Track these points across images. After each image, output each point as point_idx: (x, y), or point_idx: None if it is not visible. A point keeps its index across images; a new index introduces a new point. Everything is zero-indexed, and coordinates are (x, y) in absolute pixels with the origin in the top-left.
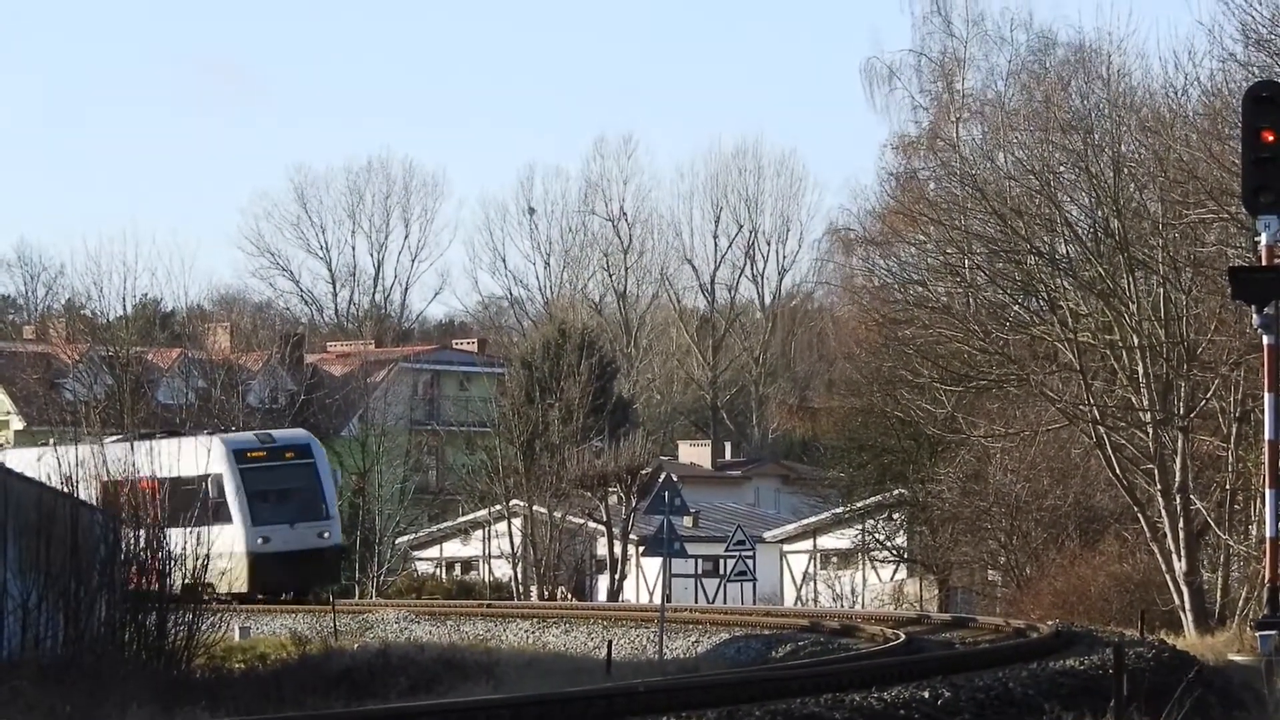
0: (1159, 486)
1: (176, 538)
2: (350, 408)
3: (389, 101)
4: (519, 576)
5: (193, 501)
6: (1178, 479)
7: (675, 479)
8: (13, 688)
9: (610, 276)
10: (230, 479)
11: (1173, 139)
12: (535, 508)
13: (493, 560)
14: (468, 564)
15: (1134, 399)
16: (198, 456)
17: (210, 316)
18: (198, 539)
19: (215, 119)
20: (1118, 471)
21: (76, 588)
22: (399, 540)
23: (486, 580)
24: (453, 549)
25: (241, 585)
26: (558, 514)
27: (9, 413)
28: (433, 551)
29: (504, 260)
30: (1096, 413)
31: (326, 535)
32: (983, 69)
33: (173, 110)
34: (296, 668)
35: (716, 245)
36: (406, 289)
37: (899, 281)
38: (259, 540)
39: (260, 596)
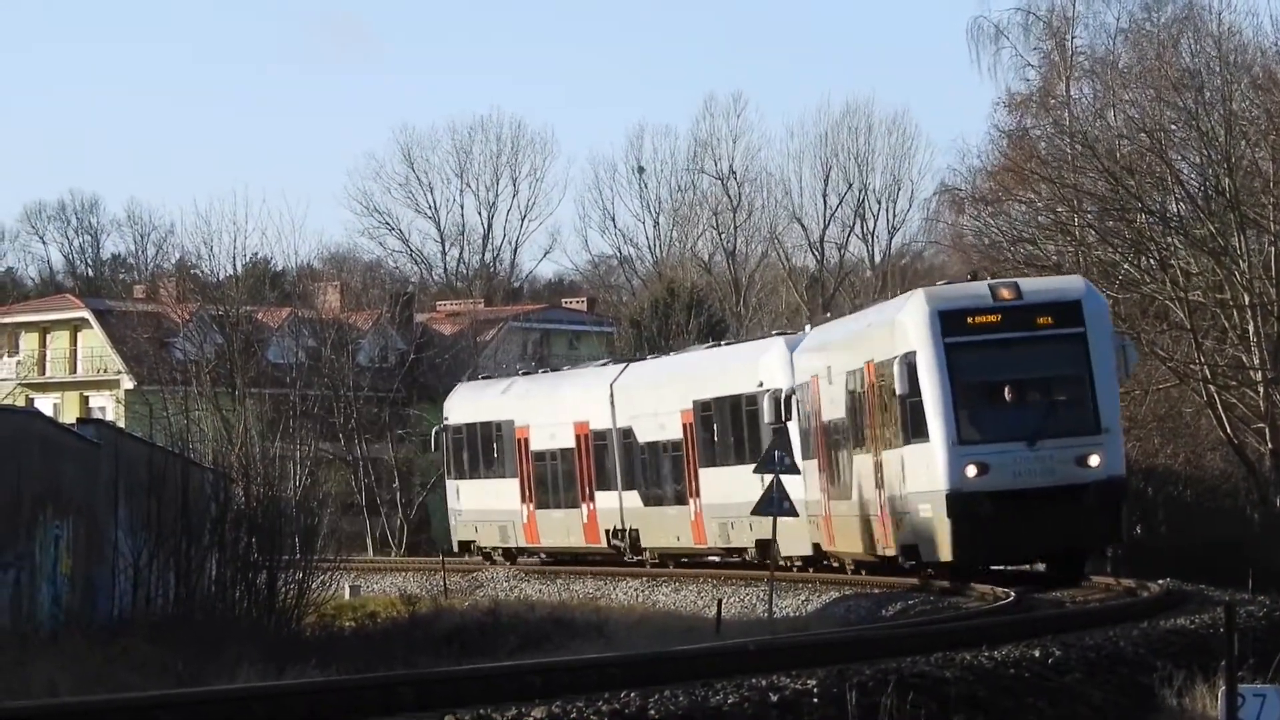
0: (1270, 445)
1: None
2: (460, 366)
3: (495, 61)
4: None
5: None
6: None
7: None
8: (124, 646)
9: (719, 235)
10: (929, 360)
11: None
12: None
13: None
14: None
15: (1245, 358)
16: (896, 329)
17: (320, 276)
18: (902, 462)
19: (323, 78)
20: (1228, 430)
21: (187, 546)
22: None
23: None
24: None
25: (941, 549)
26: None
27: (120, 371)
28: None
29: (613, 219)
30: (1207, 371)
31: (1096, 462)
32: (1091, 27)
33: (282, 68)
34: (407, 626)
35: (826, 204)
36: (516, 248)
37: (1009, 240)
38: (967, 469)
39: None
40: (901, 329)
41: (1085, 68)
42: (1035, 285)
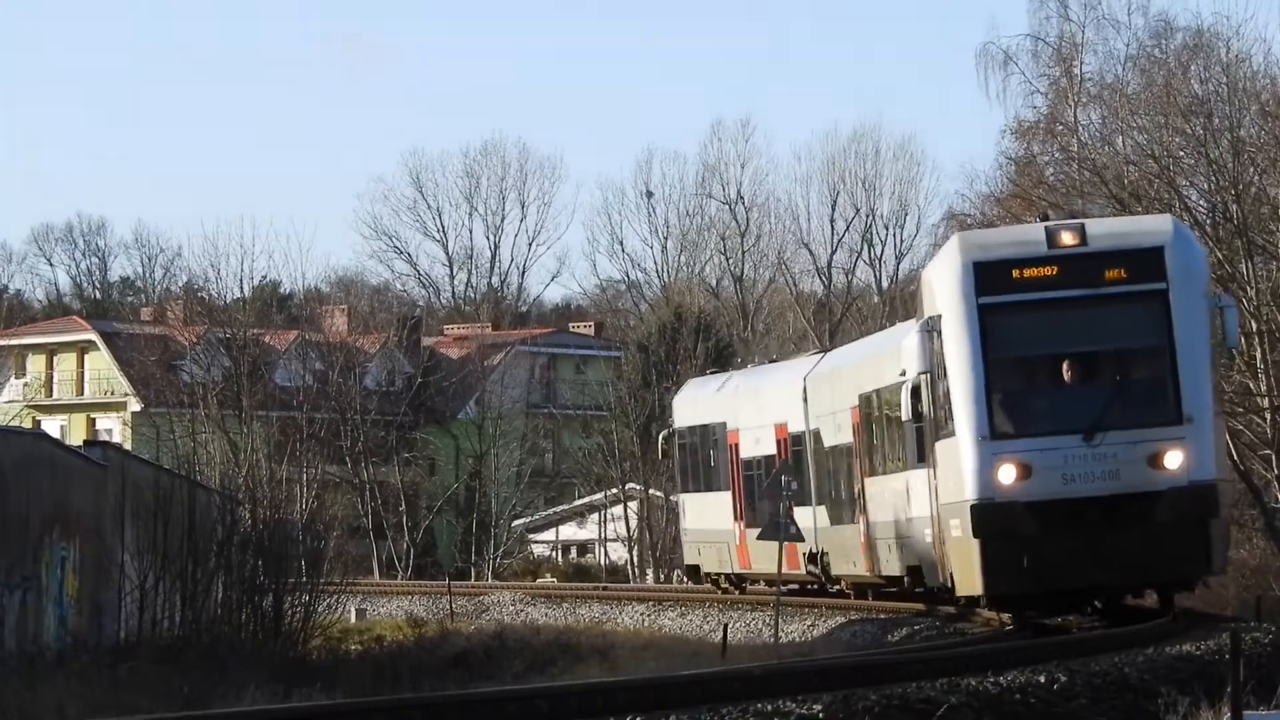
0: (1276, 472)
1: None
2: (467, 391)
3: (504, 85)
4: (635, 559)
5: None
6: None
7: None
8: (130, 668)
9: (727, 260)
10: (957, 327)
11: None
12: (651, 491)
13: (609, 543)
14: (584, 547)
15: (1251, 384)
16: (925, 288)
17: (327, 299)
18: (935, 464)
19: (332, 102)
20: (1235, 457)
21: (193, 569)
22: (515, 523)
23: (602, 563)
24: (569, 532)
25: (969, 580)
26: (674, 497)
27: (127, 394)
28: (549, 534)
29: (621, 244)
30: None
31: (1175, 462)
32: (1100, 53)
33: (290, 91)
34: (413, 649)
35: (833, 229)
36: (524, 272)
37: None
38: (1000, 472)
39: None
40: (929, 287)
41: (1093, 94)
42: (1107, 228)
